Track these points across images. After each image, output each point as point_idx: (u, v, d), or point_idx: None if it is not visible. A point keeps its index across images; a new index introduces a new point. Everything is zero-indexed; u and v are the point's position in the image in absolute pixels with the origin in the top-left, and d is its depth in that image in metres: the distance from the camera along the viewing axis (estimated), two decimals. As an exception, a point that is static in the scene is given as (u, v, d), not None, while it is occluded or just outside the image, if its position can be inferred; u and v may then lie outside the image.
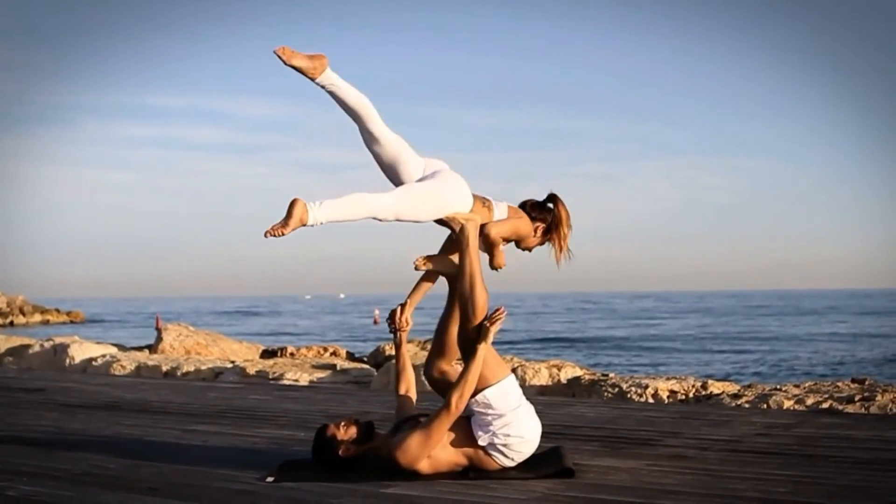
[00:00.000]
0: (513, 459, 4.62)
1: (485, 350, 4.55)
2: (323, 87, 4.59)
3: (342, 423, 4.75)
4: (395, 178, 4.76)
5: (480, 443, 4.59)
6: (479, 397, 4.57)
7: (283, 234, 4.31)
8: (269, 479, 4.65)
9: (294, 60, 4.48)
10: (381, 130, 4.70)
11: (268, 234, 4.31)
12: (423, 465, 4.58)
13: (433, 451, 4.57)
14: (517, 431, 4.59)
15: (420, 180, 4.73)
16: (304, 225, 4.35)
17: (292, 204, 4.31)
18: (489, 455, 4.60)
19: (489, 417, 4.58)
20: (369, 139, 4.72)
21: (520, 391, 4.71)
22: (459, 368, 4.69)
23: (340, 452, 4.68)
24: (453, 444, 4.60)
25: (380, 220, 4.58)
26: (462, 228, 4.71)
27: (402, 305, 5.06)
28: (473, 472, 4.61)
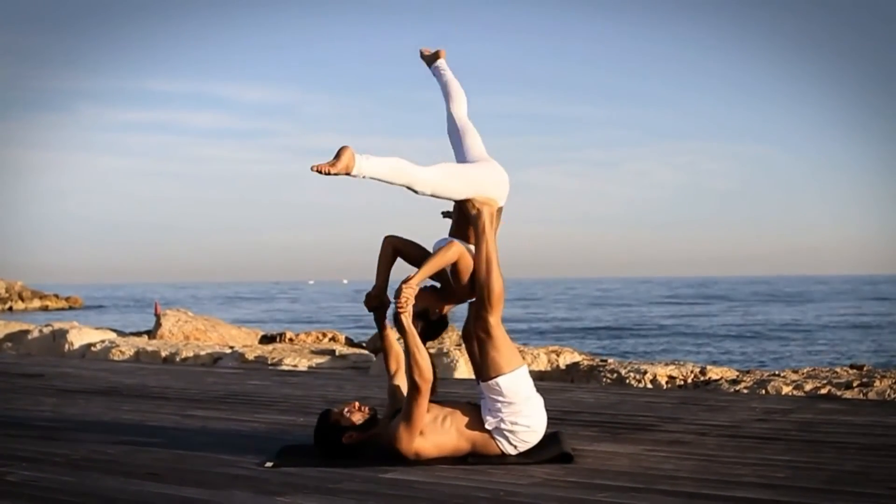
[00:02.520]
0: (516, 447, 4.63)
1: (408, 321, 4.53)
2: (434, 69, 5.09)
3: (345, 409, 4.75)
4: (456, 143, 5.01)
5: (487, 426, 4.60)
6: (491, 383, 4.58)
7: (328, 173, 4.40)
8: (269, 464, 4.66)
9: None
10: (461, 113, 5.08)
11: (314, 169, 4.39)
12: (427, 450, 4.58)
13: (435, 435, 4.57)
14: (525, 421, 4.60)
15: (469, 161, 4.87)
16: (349, 173, 4.44)
17: (342, 149, 4.41)
18: (494, 439, 4.61)
19: (499, 404, 4.58)
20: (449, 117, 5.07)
21: (531, 382, 4.71)
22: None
23: (343, 438, 4.68)
24: (460, 428, 4.61)
25: (416, 192, 4.64)
26: (479, 213, 4.68)
27: (381, 289, 4.96)
28: (473, 457, 4.62)
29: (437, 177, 4.64)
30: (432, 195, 4.69)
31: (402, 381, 4.94)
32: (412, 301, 4.56)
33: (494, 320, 4.62)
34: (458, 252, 4.66)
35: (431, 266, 4.63)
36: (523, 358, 9.36)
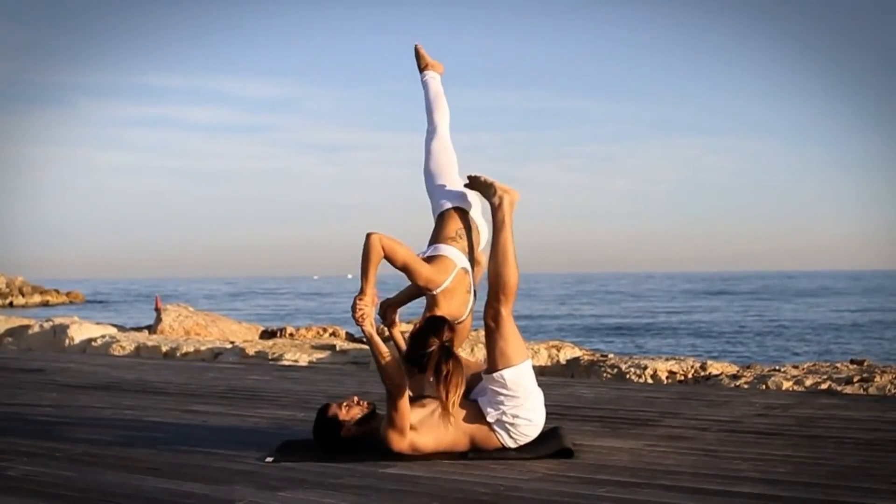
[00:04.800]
0: (515, 441, 4.63)
1: (370, 330, 4.54)
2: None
3: (344, 404, 4.76)
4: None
5: (489, 419, 4.60)
6: (496, 375, 4.57)
7: (419, 51, 5.40)
8: (269, 458, 4.66)
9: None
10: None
11: (417, 45, 5.40)
12: (424, 444, 4.58)
13: (432, 429, 4.57)
14: (526, 414, 4.60)
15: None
16: (426, 68, 5.37)
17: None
18: (494, 432, 4.61)
19: (501, 397, 4.58)
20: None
21: (534, 376, 4.70)
22: (464, 354, 4.71)
23: (342, 433, 4.69)
24: (457, 422, 4.60)
25: (429, 120, 5.21)
26: (500, 201, 4.68)
27: (400, 302, 5.04)
28: (473, 452, 4.61)
29: (443, 135, 5.14)
30: (429, 143, 5.11)
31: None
32: (368, 312, 4.58)
33: (506, 311, 4.60)
34: (379, 241, 4.54)
35: (365, 268, 4.57)
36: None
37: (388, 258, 4.61)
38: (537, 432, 4.68)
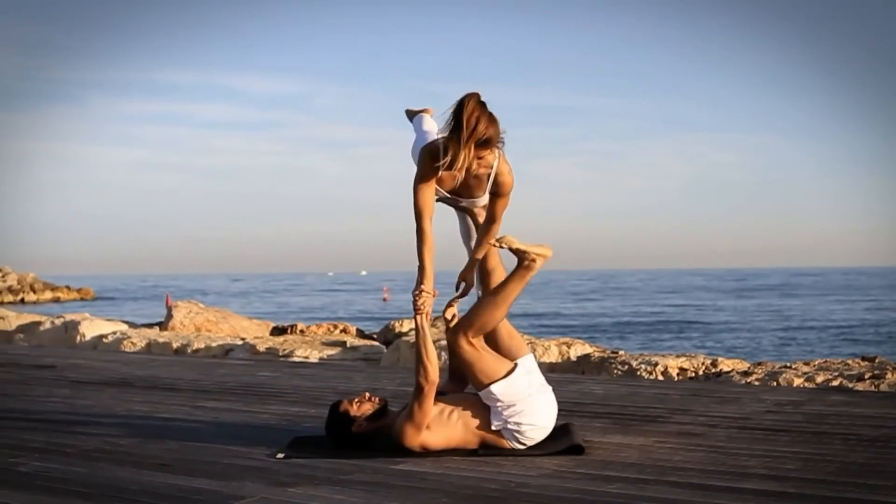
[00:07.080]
0: (524, 444, 4.63)
1: (423, 322, 4.55)
2: None
3: (356, 400, 4.77)
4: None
5: (494, 427, 4.61)
6: (486, 392, 4.58)
7: (409, 109, 5.37)
8: (280, 455, 4.67)
9: None
10: None
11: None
12: (434, 443, 4.59)
13: (442, 428, 4.58)
14: (529, 419, 4.59)
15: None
16: (418, 115, 5.29)
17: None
18: (502, 437, 4.62)
19: (499, 406, 4.58)
20: None
21: (533, 378, 4.67)
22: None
23: (353, 429, 4.70)
24: (467, 423, 4.61)
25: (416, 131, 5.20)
26: (534, 262, 4.58)
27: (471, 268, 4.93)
28: (483, 449, 4.62)
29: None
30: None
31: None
32: (428, 305, 4.57)
33: (476, 342, 4.59)
34: (422, 226, 4.60)
35: (419, 256, 4.61)
36: (534, 350, 9.43)
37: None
38: (546, 434, 4.67)
